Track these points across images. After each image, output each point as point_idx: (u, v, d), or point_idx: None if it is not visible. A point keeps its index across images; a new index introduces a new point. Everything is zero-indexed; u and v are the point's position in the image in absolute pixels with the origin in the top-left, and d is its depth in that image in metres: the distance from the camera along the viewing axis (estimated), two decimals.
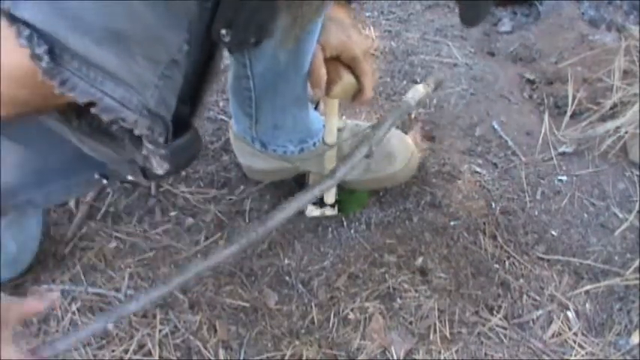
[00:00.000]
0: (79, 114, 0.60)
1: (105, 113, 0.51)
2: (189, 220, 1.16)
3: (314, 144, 1.13)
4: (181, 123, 0.66)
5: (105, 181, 0.75)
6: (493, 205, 1.21)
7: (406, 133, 1.28)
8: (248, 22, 0.62)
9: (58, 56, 0.47)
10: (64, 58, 0.48)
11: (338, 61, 0.95)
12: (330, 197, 1.15)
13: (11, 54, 0.47)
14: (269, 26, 0.66)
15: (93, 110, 0.51)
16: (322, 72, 0.94)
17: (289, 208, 0.81)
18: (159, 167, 0.59)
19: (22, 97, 0.52)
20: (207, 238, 1.14)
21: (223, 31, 0.60)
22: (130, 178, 0.73)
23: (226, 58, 1.06)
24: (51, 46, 0.47)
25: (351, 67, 0.94)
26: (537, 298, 1.09)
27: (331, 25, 0.92)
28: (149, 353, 0.99)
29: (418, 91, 0.94)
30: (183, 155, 0.68)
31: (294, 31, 0.80)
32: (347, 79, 0.94)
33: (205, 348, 1.01)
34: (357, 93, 0.96)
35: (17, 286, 1.05)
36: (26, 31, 0.46)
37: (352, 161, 0.85)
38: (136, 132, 0.54)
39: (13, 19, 0.45)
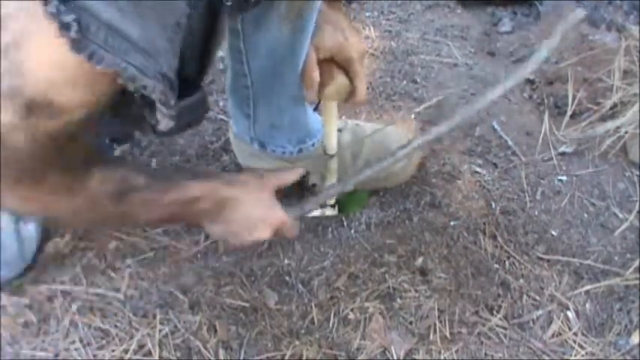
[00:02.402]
0: None
1: (129, 82, 0.53)
2: None
3: (313, 144, 1.13)
4: (190, 83, 0.68)
5: (115, 146, 0.76)
6: (493, 205, 1.21)
7: (406, 132, 1.27)
8: None
9: (85, 27, 0.48)
10: (90, 29, 0.48)
11: (332, 62, 0.94)
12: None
13: (56, 56, 0.49)
14: None
15: (119, 80, 0.52)
16: (315, 73, 0.94)
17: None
18: (166, 126, 0.62)
19: (79, 99, 0.53)
20: (207, 238, 1.13)
21: None
22: (137, 134, 0.74)
23: (225, 59, 1.06)
24: (79, 16, 0.47)
25: (345, 68, 0.94)
26: (537, 298, 1.09)
27: (327, 27, 0.92)
28: (149, 353, 0.99)
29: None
30: (190, 115, 0.71)
31: (297, 5, 0.81)
32: (340, 80, 0.94)
33: (205, 348, 1.01)
34: (351, 95, 0.96)
35: (17, 286, 1.05)
36: (54, 1, 0.46)
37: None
38: (153, 97, 0.56)
39: None
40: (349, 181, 0.93)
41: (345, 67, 0.94)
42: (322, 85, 0.95)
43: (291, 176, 0.87)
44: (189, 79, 0.69)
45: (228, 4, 0.62)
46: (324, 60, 0.94)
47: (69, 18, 0.47)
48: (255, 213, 0.82)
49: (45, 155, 0.56)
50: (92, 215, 0.69)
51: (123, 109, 0.66)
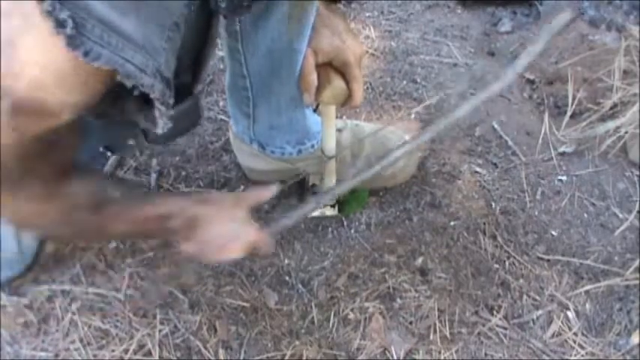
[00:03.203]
0: None
1: (126, 79, 0.53)
2: None
3: (312, 146, 1.13)
4: (183, 90, 0.68)
5: (110, 154, 0.76)
6: (493, 205, 1.21)
7: (406, 132, 1.27)
8: None
9: (80, 24, 0.48)
10: (86, 26, 0.48)
11: (330, 66, 0.94)
12: None
13: (49, 56, 0.48)
14: None
15: (117, 77, 0.52)
16: (312, 77, 0.93)
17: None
18: (162, 127, 0.61)
19: (69, 102, 0.53)
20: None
21: None
22: (130, 142, 0.74)
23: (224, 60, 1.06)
24: (74, 13, 0.47)
25: (343, 72, 0.94)
26: (537, 298, 1.09)
27: (324, 30, 0.91)
28: (149, 353, 0.99)
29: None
30: (183, 121, 0.70)
31: (294, 7, 0.81)
32: (337, 84, 0.94)
33: (205, 348, 1.01)
34: (348, 99, 0.96)
35: (17, 286, 1.05)
36: None
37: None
38: (152, 96, 0.56)
39: None
40: (346, 185, 0.92)
41: (342, 71, 0.94)
42: (319, 88, 0.95)
43: (266, 194, 0.85)
44: (182, 86, 0.68)
45: (222, 5, 0.62)
46: (321, 64, 0.94)
47: (64, 15, 0.47)
48: (227, 232, 0.80)
49: (27, 159, 0.56)
50: (67, 225, 0.69)
51: (116, 115, 0.65)
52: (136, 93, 0.55)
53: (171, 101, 0.60)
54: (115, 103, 0.60)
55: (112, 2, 0.49)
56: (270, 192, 0.85)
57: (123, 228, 0.73)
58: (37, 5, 0.46)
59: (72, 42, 0.48)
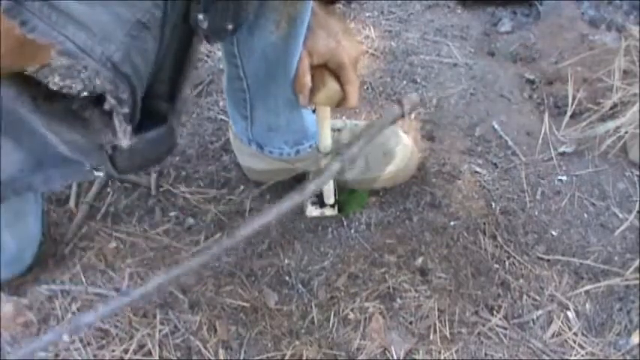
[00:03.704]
0: (49, 97, 0.61)
1: (66, 56, 0.52)
2: (189, 220, 1.16)
3: (310, 146, 1.13)
4: (159, 118, 0.67)
5: (96, 174, 0.76)
6: (493, 205, 1.21)
7: (406, 132, 1.27)
8: (225, 6, 0.62)
9: None
10: None
11: (325, 67, 0.94)
12: (330, 197, 1.15)
13: None
14: (246, 11, 0.66)
15: (54, 54, 0.52)
16: (307, 78, 0.93)
17: (255, 223, 0.81)
18: (123, 136, 0.60)
19: None
20: (207, 238, 1.14)
21: (200, 17, 0.61)
22: (97, 173, 0.73)
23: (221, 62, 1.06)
24: None
25: (337, 74, 0.94)
26: (537, 298, 1.09)
27: (320, 32, 0.91)
28: (149, 353, 0.99)
29: (393, 112, 0.94)
30: (155, 149, 0.69)
31: (287, 9, 0.81)
32: (331, 86, 0.94)
33: (205, 348, 1.01)
34: (342, 100, 0.96)
35: (17, 286, 1.05)
36: None
37: (322, 180, 0.87)
38: (98, 83, 0.55)
39: None
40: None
41: (337, 73, 0.94)
42: (313, 90, 0.94)
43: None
44: (159, 114, 0.67)
45: (204, 25, 0.61)
46: (316, 65, 0.94)
47: None
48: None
49: None
50: None
51: (81, 138, 0.64)
52: (84, 93, 0.55)
53: (125, 96, 0.59)
54: (82, 123, 0.59)
55: None
56: None
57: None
58: None
59: (9, 11, 0.48)
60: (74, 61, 0.52)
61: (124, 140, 0.61)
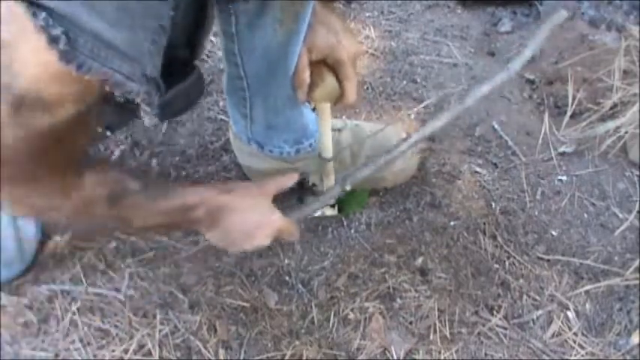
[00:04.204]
0: None
1: (115, 88, 0.55)
2: None
3: (310, 145, 1.13)
4: (183, 65, 0.68)
5: (109, 133, 0.77)
6: (493, 205, 1.21)
7: (406, 132, 1.27)
8: None
9: (73, 40, 0.49)
10: (78, 40, 0.50)
11: (324, 64, 0.94)
12: None
13: (44, 56, 0.49)
14: None
15: (106, 87, 0.54)
16: (305, 75, 0.93)
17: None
18: (150, 123, 0.63)
19: (69, 94, 0.54)
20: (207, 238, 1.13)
21: None
22: (132, 120, 0.76)
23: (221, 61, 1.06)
24: (67, 29, 0.49)
25: (336, 70, 0.94)
26: (537, 298, 1.09)
27: (320, 28, 0.91)
28: (149, 353, 0.99)
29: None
30: (186, 97, 0.72)
31: (294, 7, 0.82)
32: (329, 82, 0.94)
33: (205, 348, 1.01)
34: (340, 97, 0.96)
35: (17, 286, 1.05)
36: (42, 14, 0.47)
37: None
38: (137, 100, 0.58)
39: (30, 4, 0.47)
40: (347, 182, 0.93)
41: (335, 69, 0.94)
42: (311, 86, 0.95)
43: (288, 180, 0.88)
44: (181, 61, 0.69)
45: None
46: (315, 61, 0.94)
47: (57, 31, 0.48)
48: (252, 220, 0.82)
49: (37, 154, 0.57)
50: (85, 218, 0.69)
51: (114, 99, 0.66)
52: (121, 100, 0.57)
53: (156, 100, 0.61)
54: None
55: (100, 14, 0.51)
56: (292, 179, 0.88)
57: (145, 220, 0.73)
58: (31, 20, 0.47)
59: (64, 56, 0.50)
60: (122, 89, 0.56)
61: (149, 124, 0.64)
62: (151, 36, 0.57)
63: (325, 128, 1.02)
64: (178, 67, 0.66)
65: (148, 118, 0.62)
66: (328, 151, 1.05)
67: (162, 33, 0.59)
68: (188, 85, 0.70)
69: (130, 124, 0.78)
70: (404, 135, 1.22)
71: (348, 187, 0.94)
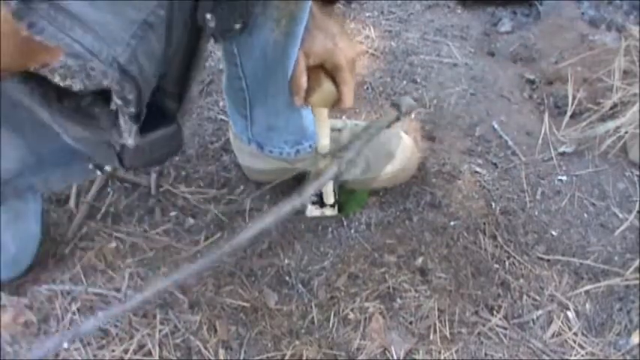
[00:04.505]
0: (59, 96, 0.62)
1: (73, 58, 0.54)
2: (189, 220, 1.16)
3: (310, 146, 1.13)
4: (167, 117, 0.67)
5: (99, 173, 0.76)
6: (493, 205, 1.21)
7: (406, 132, 1.27)
8: (232, 6, 0.63)
9: None
10: (34, 1, 0.48)
11: (321, 68, 0.94)
12: (330, 197, 1.15)
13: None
14: (252, 10, 0.66)
15: (61, 58, 0.53)
16: (302, 80, 0.93)
17: (254, 228, 0.82)
18: (129, 135, 0.61)
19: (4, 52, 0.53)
20: (207, 238, 1.14)
21: (208, 16, 0.61)
22: (107, 168, 0.74)
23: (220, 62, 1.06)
24: None
25: (333, 75, 0.94)
26: (537, 298, 1.09)
27: (317, 32, 0.91)
28: (149, 353, 0.99)
29: (390, 115, 0.94)
30: (162, 147, 0.70)
31: (289, 7, 0.81)
32: (326, 87, 0.94)
33: (205, 348, 1.01)
34: (337, 102, 0.96)
35: (17, 286, 1.05)
36: None
37: (320, 182, 0.89)
38: (105, 83, 0.56)
39: None
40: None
41: (333, 73, 0.94)
42: (309, 91, 0.94)
43: None
44: (167, 113, 0.68)
45: (211, 25, 0.62)
46: (313, 66, 0.94)
47: None
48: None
49: None
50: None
51: (91, 136, 0.65)
52: (90, 87, 0.56)
53: (131, 97, 0.59)
54: (91, 121, 0.60)
55: None
56: None
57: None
58: None
59: (17, 13, 0.48)
60: (81, 63, 0.54)
61: (130, 139, 0.62)
62: (133, 28, 0.56)
63: (322, 131, 1.02)
64: (160, 116, 0.65)
65: (127, 128, 0.60)
66: (324, 147, 1.05)
67: (148, 30, 0.57)
68: (167, 134, 0.69)
69: (115, 159, 0.75)
70: (403, 135, 1.22)
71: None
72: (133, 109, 0.60)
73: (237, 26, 0.66)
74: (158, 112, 0.64)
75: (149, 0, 0.56)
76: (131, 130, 0.61)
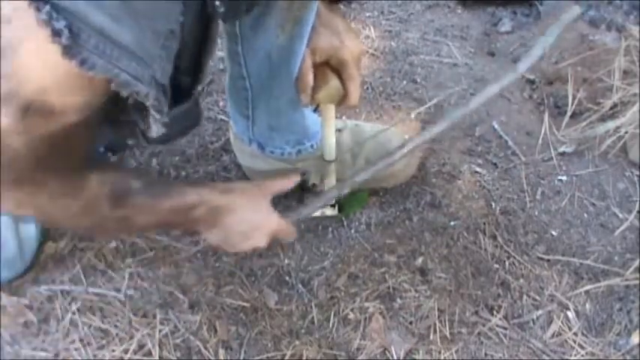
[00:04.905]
0: None
1: (122, 88, 0.54)
2: None
3: (311, 146, 1.13)
4: (183, 92, 0.68)
5: (111, 156, 0.77)
6: (493, 205, 1.21)
7: (406, 133, 1.27)
8: None
9: (76, 34, 0.48)
10: (81, 35, 0.49)
11: (327, 65, 0.94)
12: None
13: (51, 59, 0.49)
14: None
15: (112, 86, 0.53)
16: (309, 77, 0.93)
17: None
18: (156, 132, 0.63)
19: (74, 100, 0.54)
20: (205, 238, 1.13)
21: (217, 3, 0.62)
22: (130, 142, 0.75)
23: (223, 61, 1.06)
24: (70, 22, 0.48)
25: (340, 72, 0.94)
26: (537, 298, 1.09)
27: (323, 30, 0.91)
28: (149, 353, 0.99)
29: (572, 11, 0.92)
30: (182, 122, 0.71)
31: (293, 12, 0.82)
32: (333, 84, 0.93)
33: (205, 348, 1.01)
34: (344, 99, 0.96)
35: (17, 286, 1.05)
36: (46, 7, 0.47)
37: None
38: (147, 104, 0.57)
39: None
40: (347, 184, 0.93)
41: (339, 70, 0.94)
42: (315, 88, 0.94)
43: (288, 182, 0.88)
44: (182, 87, 0.69)
45: (221, 10, 0.62)
46: (319, 63, 0.94)
47: (60, 24, 0.47)
48: (251, 220, 0.83)
49: (42, 159, 0.57)
50: (89, 219, 0.69)
51: (115, 116, 0.66)
52: (130, 101, 0.56)
53: (166, 108, 0.61)
54: (117, 103, 0.60)
55: (108, 11, 0.50)
56: (292, 181, 0.88)
57: (147, 220, 0.73)
58: (34, 13, 0.47)
59: (68, 51, 0.49)
60: (129, 90, 0.55)
61: (156, 131, 0.63)
62: (161, 40, 0.56)
63: (329, 130, 1.02)
64: (178, 90, 0.66)
65: (155, 127, 0.62)
66: (331, 153, 1.05)
67: (172, 38, 0.58)
68: (185, 109, 0.71)
69: (130, 146, 0.77)
70: (405, 137, 1.22)
71: (346, 191, 0.94)
72: (165, 118, 0.62)
73: (245, 8, 0.67)
74: (175, 88, 0.65)
75: (175, 8, 0.57)
76: (159, 128, 0.63)
